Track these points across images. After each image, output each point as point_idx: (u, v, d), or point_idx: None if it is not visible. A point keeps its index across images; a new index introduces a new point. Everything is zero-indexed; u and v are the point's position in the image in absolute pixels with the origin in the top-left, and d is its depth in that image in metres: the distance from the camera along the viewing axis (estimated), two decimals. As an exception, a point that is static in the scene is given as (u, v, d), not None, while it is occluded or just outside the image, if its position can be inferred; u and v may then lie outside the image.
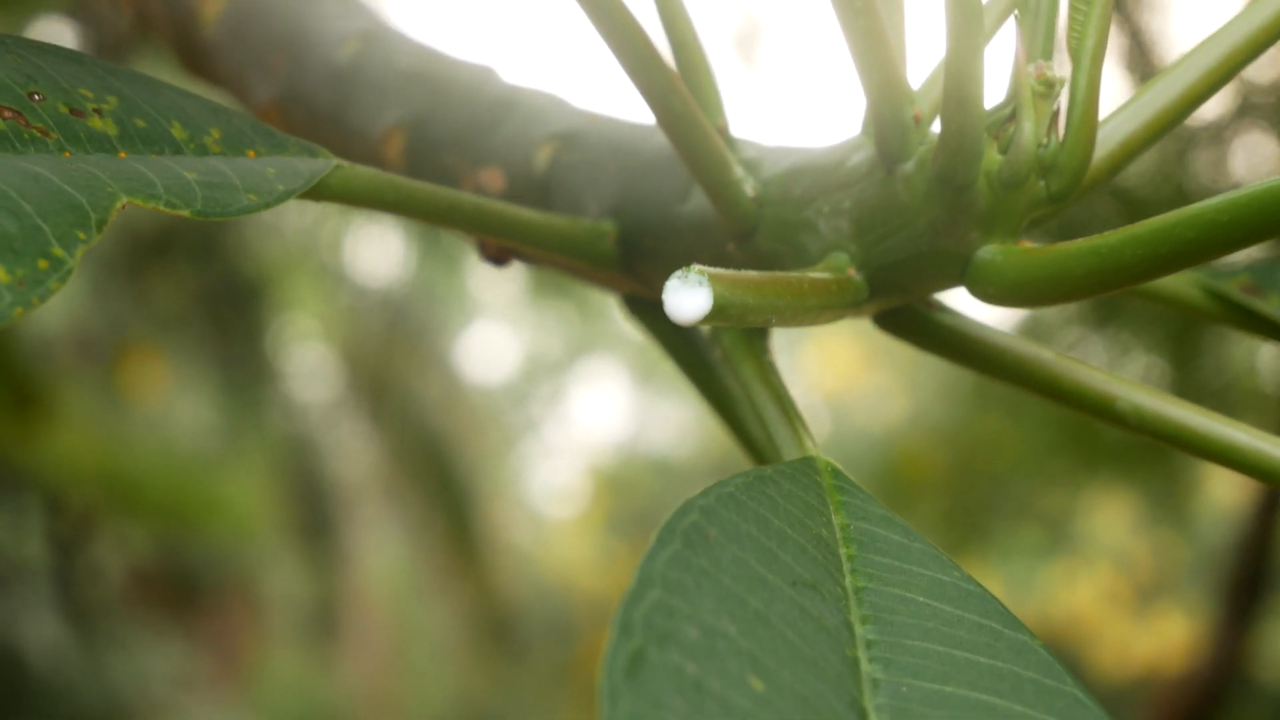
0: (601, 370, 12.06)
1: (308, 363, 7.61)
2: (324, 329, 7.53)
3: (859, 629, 0.54)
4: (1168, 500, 5.96)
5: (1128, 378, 0.70)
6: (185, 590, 6.13)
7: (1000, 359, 0.72)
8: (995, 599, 0.58)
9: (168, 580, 6.03)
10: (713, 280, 0.58)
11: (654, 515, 9.59)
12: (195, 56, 1.00)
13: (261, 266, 6.10)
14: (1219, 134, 4.04)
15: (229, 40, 0.97)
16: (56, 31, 4.44)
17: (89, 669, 4.78)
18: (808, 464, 0.63)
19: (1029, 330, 4.57)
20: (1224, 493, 5.98)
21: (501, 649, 7.98)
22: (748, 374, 0.71)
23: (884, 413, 7.44)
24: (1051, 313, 4.51)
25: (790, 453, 0.68)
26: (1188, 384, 4.44)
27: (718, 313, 0.58)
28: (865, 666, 0.52)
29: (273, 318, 6.48)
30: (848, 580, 0.56)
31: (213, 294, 5.85)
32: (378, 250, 7.59)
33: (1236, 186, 0.57)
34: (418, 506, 7.40)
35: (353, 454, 7.50)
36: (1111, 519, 6.86)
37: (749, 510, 0.55)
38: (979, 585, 0.59)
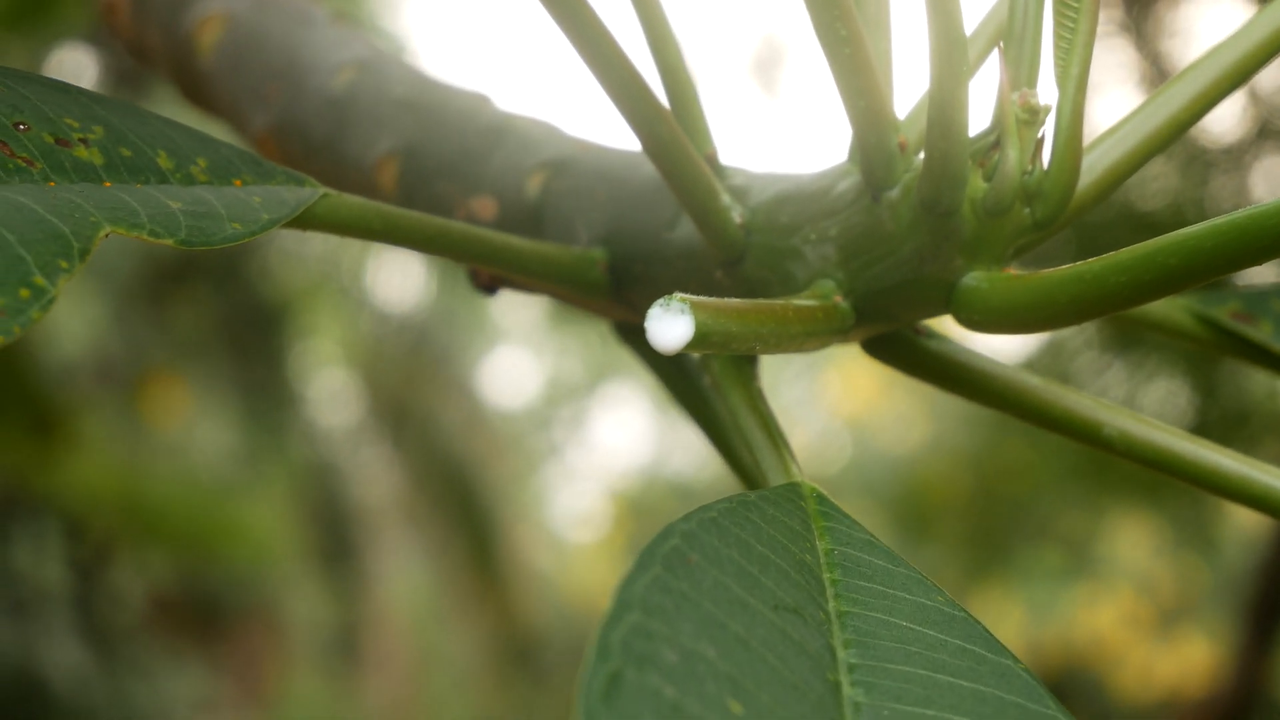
0: (623, 394, 12.06)
1: (329, 388, 7.62)
2: (346, 354, 7.54)
3: (841, 653, 0.53)
4: (1190, 524, 5.95)
5: (1114, 403, 0.70)
6: (207, 615, 6.13)
7: (988, 385, 0.72)
8: (979, 623, 0.58)
9: (189, 605, 6.03)
10: (695, 308, 0.58)
11: (675, 539, 9.55)
12: (193, 85, 1.00)
13: (283, 292, 6.11)
14: (1239, 158, 4.04)
15: (225, 69, 0.97)
16: (77, 58, 4.45)
17: (111, 694, 4.79)
18: (792, 489, 0.62)
19: (1049, 354, 4.57)
20: (1246, 516, 5.96)
21: (523, 673, 7.98)
22: (735, 400, 0.71)
23: (905, 437, 7.44)
24: (1072, 339, 4.50)
25: (776, 478, 0.68)
26: (1209, 409, 4.43)
27: (700, 340, 0.58)
28: (847, 690, 0.52)
29: (294, 343, 6.49)
30: (831, 605, 0.56)
31: (234, 319, 5.86)
32: (399, 275, 7.61)
33: None
34: (439, 531, 7.41)
35: (374, 479, 7.50)
36: (1133, 542, 6.85)
37: (731, 535, 0.55)
38: (963, 610, 0.59)
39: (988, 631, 0.58)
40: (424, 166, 0.87)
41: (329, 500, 6.80)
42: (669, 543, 0.52)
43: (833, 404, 8.11)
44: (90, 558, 5.15)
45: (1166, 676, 6.60)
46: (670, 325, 0.57)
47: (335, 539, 6.76)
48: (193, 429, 6.20)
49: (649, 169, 0.79)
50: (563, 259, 0.78)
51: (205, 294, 5.81)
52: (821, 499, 0.63)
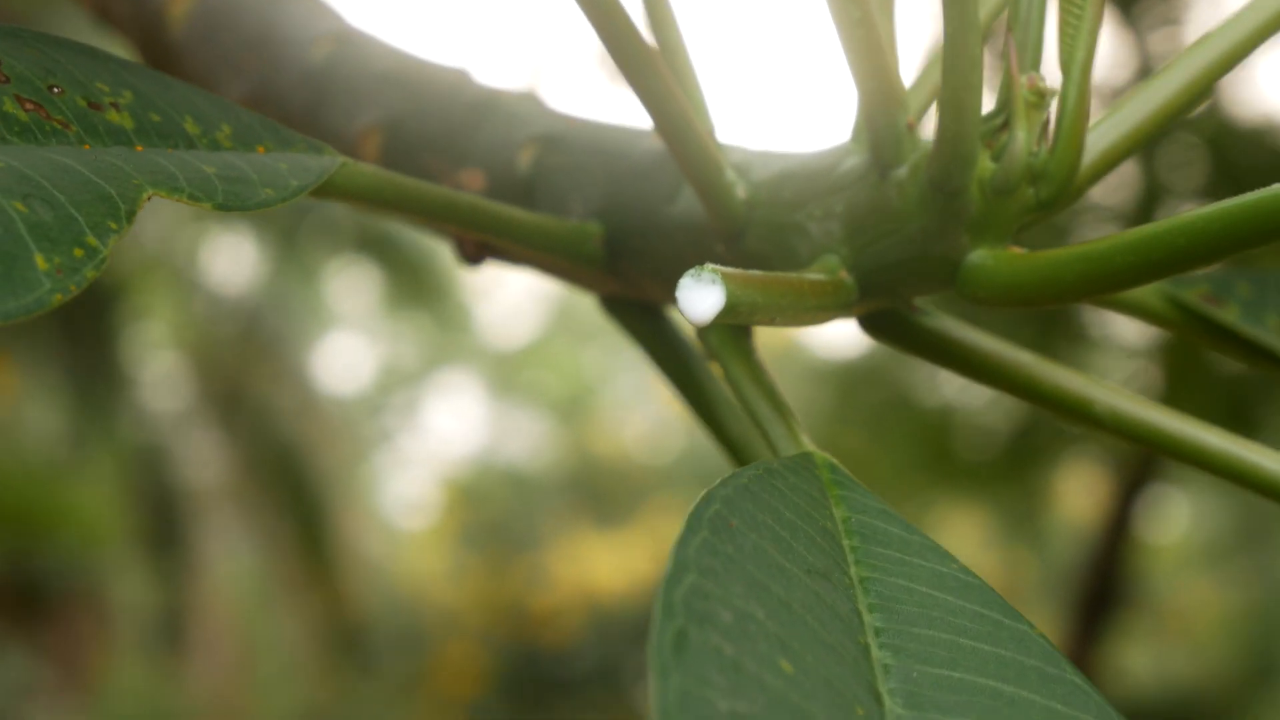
0: (457, 381, 12.02)
1: (160, 370, 7.54)
2: (177, 337, 7.47)
3: (867, 617, 0.55)
4: (1019, 517, 6.04)
5: (1106, 381, 0.72)
6: (30, 599, 6.06)
7: (981, 361, 0.74)
8: (994, 591, 0.60)
9: (12, 589, 5.96)
10: (725, 279, 0.59)
11: (507, 527, 9.58)
12: (161, 56, 1.00)
13: (115, 273, 6.04)
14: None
15: (197, 40, 0.97)
16: None
17: (-69, 678, 4.73)
18: (806, 459, 0.64)
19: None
20: (1075, 510, 6.06)
21: (351, 660, 7.95)
22: (737, 372, 0.73)
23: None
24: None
25: (786, 448, 0.69)
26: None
27: (729, 310, 0.59)
28: (876, 652, 0.53)
29: (126, 325, 6.42)
30: (853, 570, 0.58)
31: (64, 300, 5.78)
32: (232, 258, 7.54)
33: None
34: (269, 516, 7.36)
35: (204, 463, 7.44)
36: (963, 534, 6.94)
37: (763, 501, 0.56)
38: (978, 578, 0.60)
39: (1003, 599, 0.59)
40: (408, 139, 0.87)
41: (157, 484, 6.73)
42: (712, 507, 0.54)
43: (666, 395, 8.13)
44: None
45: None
46: (702, 295, 0.59)
47: (163, 523, 6.70)
48: (20, 410, 6.12)
49: (645, 144, 0.81)
50: (560, 231, 0.79)
51: (36, 273, 5.71)
52: (834, 468, 0.64)
